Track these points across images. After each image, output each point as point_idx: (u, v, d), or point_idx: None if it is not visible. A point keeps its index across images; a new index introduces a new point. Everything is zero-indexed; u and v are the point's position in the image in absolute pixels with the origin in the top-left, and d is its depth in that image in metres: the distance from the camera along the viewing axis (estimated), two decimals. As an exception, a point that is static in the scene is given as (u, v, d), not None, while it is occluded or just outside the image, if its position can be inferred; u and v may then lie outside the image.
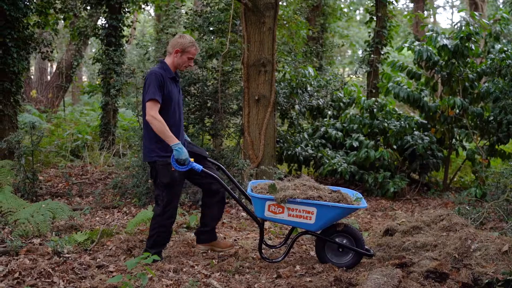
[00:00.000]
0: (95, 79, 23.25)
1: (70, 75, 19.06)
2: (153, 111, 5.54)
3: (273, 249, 6.41)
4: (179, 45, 5.84)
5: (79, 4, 14.42)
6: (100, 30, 14.06)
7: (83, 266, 5.55)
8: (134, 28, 23.22)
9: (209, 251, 6.39)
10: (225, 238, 7.10)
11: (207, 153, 6.22)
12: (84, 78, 32.97)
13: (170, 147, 5.61)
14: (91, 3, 13.78)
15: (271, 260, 5.96)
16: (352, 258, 5.84)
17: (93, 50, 30.60)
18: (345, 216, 5.98)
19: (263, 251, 6.18)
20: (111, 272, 5.46)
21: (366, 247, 5.89)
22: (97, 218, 7.99)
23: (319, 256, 5.93)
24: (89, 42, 23.55)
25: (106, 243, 6.45)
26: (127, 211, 8.39)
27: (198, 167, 5.71)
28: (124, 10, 13.80)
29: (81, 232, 6.71)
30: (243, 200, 7.31)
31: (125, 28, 13.96)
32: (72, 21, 15.67)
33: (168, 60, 5.89)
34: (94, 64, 14.80)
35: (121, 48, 13.74)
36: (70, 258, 5.81)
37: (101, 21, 14.55)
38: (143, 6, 15.58)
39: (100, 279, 5.15)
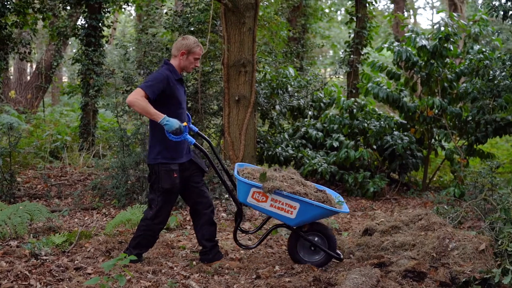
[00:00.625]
0: (75, 80, 23.11)
1: (50, 76, 18.92)
2: (137, 96, 5.37)
3: (247, 234, 6.34)
4: (185, 47, 5.76)
5: (58, 4, 14.32)
6: (80, 30, 13.97)
7: (61, 268, 5.49)
8: (114, 29, 23.09)
9: (188, 252, 6.38)
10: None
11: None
12: (64, 79, 32.75)
13: (176, 152, 5.62)
14: (70, 3, 13.69)
15: (246, 247, 5.97)
16: (323, 257, 5.89)
17: (73, 51, 30.42)
18: (325, 218, 6.00)
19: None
20: (89, 274, 5.42)
21: (338, 251, 5.93)
22: (76, 220, 7.94)
23: (291, 252, 5.94)
24: (69, 42, 23.41)
25: (84, 245, 6.40)
26: (107, 213, 8.34)
27: (191, 140, 5.62)
28: (104, 10, 13.73)
29: (59, 234, 6.66)
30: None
31: (105, 28, 13.88)
32: (52, 21, 15.55)
33: (174, 62, 5.80)
34: (73, 64, 14.70)
35: (101, 49, 13.66)
36: (47, 260, 5.76)
37: (81, 21, 14.46)
38: (123, 6, 15.51)
39: (78, 281, 5.11)
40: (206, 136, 5.95)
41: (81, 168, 11.45)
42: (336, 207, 5.77)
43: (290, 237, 6.00)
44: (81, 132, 13.83)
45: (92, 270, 5.52)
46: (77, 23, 14.80)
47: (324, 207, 5.61)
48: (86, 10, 13.55)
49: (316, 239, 5.89)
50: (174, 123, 5.39)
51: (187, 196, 5.98)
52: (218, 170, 5.96)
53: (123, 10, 16.00)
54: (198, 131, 5.93)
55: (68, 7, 14.29)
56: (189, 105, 10.21)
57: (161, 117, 5.38)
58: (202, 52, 5.88)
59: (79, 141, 13.68)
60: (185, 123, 5.59)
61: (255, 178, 5.79)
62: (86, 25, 13.57)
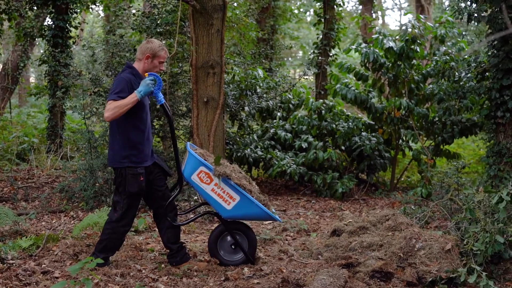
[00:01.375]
0: (42, 81, 22.84)
1: (17, 77, 18.65)
2: (106, 112, 5.41)
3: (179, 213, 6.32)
4: (149, 50, 5.71)
5: (24, 5, 14.14)
6: (47, 31, 13.82)
7: (28, 272, 5.44)
8: (82, 29, 22.87)
9: (157, 254, 6.36)
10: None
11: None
12: (32, 80, 32.36)
13: (142, 155, 5.62)
14: (37, 4, 13.53)
15: (174, 221, 5.91)
16: (241, 258, 5.98)
17: (41, 51, 30.07)
18: (257, 220, 6.03)
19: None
20: (57, 278, 5.38)
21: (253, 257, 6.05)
22: (43, 223, 7.87)
23: (210, 247, 5.99)
24: (36, 43, 23.12)
25: (52, 249, 6.34)
26: (74, 215, 8.28)
27: (161, 99, 5.65)
28: (71, 10, 13.60)
29: (26, 238, 6.58)
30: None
31: (72, 29, 13.75)
32: (18, 21, 15.35)
33: (138, 65, 5.75)
34: (40, 65, 14.54)
35: (68, 50, 13.53)
36: (14, 264, 5.70)
37: (48, 22, 14.29)
38: (91, 6, 15.37)
39: (45, 285, 5.07)
40: (169, 110, 5.90)
41: (48, 170, 11.32)
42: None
43: (212, 233, 6.05)
44: (48, 134, 13.68)
45: (59, 274, 5.48)
46: (44, 24, 14.62)
47: (263, 208, 5.68)
48: (53, 10, 13.41)
49: (238, 238, 5.99)
50: (145, 86, 5.48)
51: (150, 200, 5.94)
52: (175, 139, 5.96)
53: (90, 10, 15.86)
54: (165, 102, 5.86)
55: (35, 8, 14.11)
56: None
57: (134, 95, 5.44)
58: (167, 55, 5.85)
59: (47, 143, 13.53)
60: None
61: (206, 161, 5.80)
62: (53, 25, 13.44)
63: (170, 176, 6.13)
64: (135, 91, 5.47)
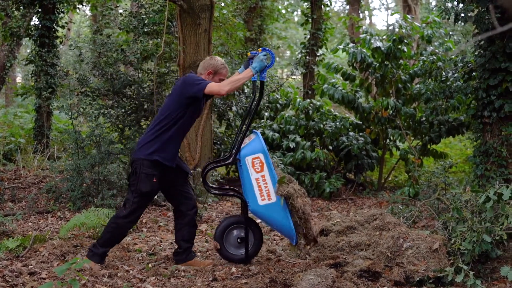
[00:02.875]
0: (29, 81, 22.72)
1: (3, 77, 18.55)
2: (218, 86, 5.59)
3: (209, 191, 6.32)
4: (212, 67, 5.86)
5: (11, 4, 14.05)
6: (33, 31, 13.74)
7: (14, 273, 5.40)
8: (69, 29, 22.77)
9: (145, 255, 6.34)
10: (161, 241, 7.06)
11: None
12: (18, 80, 32.17)
13: (171, 153, 5.69)
14: (23, 3, 13.45)
15: (209, 187, 6.05)
16: (241, 255, 6.01)
17: (27, 51, 29.91)
18: (274, 228, 6.02)
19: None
20: (44, 279, 5.34)
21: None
22: (30, 224, 7.82)
23: (217, 238, 5.99)
24: (23, 43, 23.00)
25: (39, 249, 6.30)
26: (62, 216, 8.23)
27: (264, 75, 5.79)
28: (58, 10, 13.53)
29: (13, 238, 6.52)
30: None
31: (59, 28, 13.67)
32: (4, 21, 15.26)
33: None
34: (27, 65, 14.46)
35: (55, 49, 13.45)
36: (0, 265, 5.66)
37: (34, 22, 14.21)
38: (78, 6, 15.29)
39: (32, 287, 5.03)
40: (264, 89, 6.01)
41: (35, 170, 11.25)
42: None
43: (222, 224, 6.05)
44: (35, 134, 13.60)
45: (46, 274, 5.44)
46: (31, 24, 14.54)
47: (290, 222, 5.66)
48: (40, 10, 13.33)
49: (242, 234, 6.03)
50: (259, 61, 5.66)
51: (172, 197, 6.01)
52: (252, 120, 6.02)
53: (77, 10, 15.77)
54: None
55: (21, 7, 14.03)
56: (145, 107, 10.15)
57: (249, 71, 5.66)
58: (227, 74, 5.96)
59: (33, 143, 13.45)
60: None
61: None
62: (40, 25, 13.35)
63: (190, 175, 6.15)
64: (250, 67, 5.65)
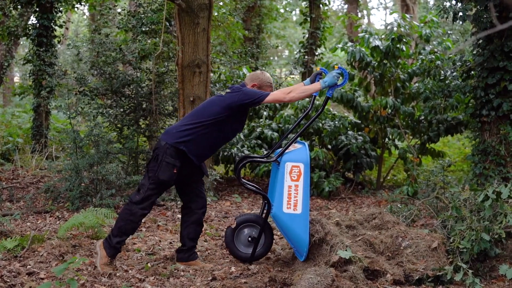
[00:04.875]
0: (27, 80, 22.69)
1: (1, 76, 18.53)
2: (281, 93, 5.65)
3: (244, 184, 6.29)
4: (258, 80, 5.93)
5: (8, 3, 14.03)
6: (31, 30, 13.73)
7: (13, 273, 5.39)
8: (67, 28, 22.73)
9: (144, 254, 6.34)
10: (160, 241, 7.05)
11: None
12: (16, 79, 32.13)
13: (200, 151, 5.72)
14: (21, 2, 13.43)
15: (239, 178, 6.04)
16: (248, 254, 6.02)
17: (25, 51, 29.87)
18: (288, 239, 5.99)
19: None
20: (42, 279, 5.33)
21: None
22: (28, 224, 7.80)
23: (227, 237, 6.03)
24: (21, 42, 22.96)
25: (37, 249, 6.29)
26: (60, 216, 8.22)
27: (332, 92, 5.81)
28: (55, 9, 13.52)
29: (11, 238, 6.51)
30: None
31: (57, 28, 13.66)
32: (2, 20, 15.24)
33: None
34: (25, 65, 14.44)
35: (53, 49, 13.44)
36: (-1, 266, 5.65)
37: (32, 21, 14.20)
38: (76, 5, 15.28)
39: (30, 287, 5.02)
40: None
41: (33, 170, 11.25)
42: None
43: (227, 229, 6.07)
44: (33, 134, 13.59)
45: (45, 275, 5.44)
46: (28, 23, 14.53)
47: (307, 237, 5.64)
48: (38, 9, 13.32)
49: (253, 233, 6.06)
50: (332, 77, 5.67)
51: (184, 192, 6.01)
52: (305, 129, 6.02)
53: (75, 9, 15.75)
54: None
55: (19, 7, 14.01)
56: (143, 106, 10.13)
57: (318, 84, 5.67)
58: (272, 90, 5.95)
59: (31, 143, 13.45)
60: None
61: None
62: (38, 25, 13.35)
63: (207, 177, 6.16)
64: (320, 82, 5.66)
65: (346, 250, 5.39)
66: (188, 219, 6.00)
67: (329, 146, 11.32)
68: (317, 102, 11.14)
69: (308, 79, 5.93)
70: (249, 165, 11.13)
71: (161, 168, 5.63)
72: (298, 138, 6.17)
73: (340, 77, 5.73)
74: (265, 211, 6.08)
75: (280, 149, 5.87)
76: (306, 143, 6.10)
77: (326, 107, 11.57)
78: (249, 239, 6.03)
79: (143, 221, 7.94)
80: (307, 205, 5.68)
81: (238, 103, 5.67)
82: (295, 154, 5.78)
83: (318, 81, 5.75)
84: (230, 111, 5.69)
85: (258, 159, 6.33)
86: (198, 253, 6.30)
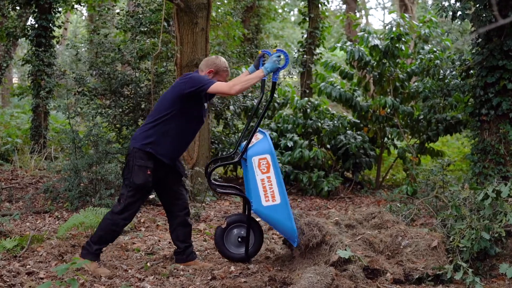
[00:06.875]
0: (25, 81, 22.67)
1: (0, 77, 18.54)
2: (227, 86, 5.49)
3: (215, 190, 6.30)
4: (214, 66, 5.77)
5: (7, 4, 14.02)
6: (30, 31, 13.72)
7: (12, 273, 5.38)
8: (66, 29, 22.73)
9: (143, 254, 6.33)
10: (159, 240, 7.04)
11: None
12: (15, 80, 32.11)
13: (167, 149, 5.60)
14: (20, 3, 13.43)
15: (215, 185, 6.10)
16: (241, 254, 6.00)
17: (24, 51, 29.85)
18: (276, 230, 6.00)
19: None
20: (42, 279, 5.33)
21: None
22: (28, 224, 7.79)
23: (217, 238, 6.00)
24: (19, 43, 22.92)
25: (36, 249, 6.29)
26: (59, 216, 8.21)
27: (277, 76, 5.70)
28: (54, 10, 13.51)
29: (10, 239, 6.51)
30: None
31: (55, 28, 13.65)
32: (0, 21, 15.23)
33: None
34: (23, 65, 14.43)
35: (52, 49, 13.43)
36: (-2, 266, 5.64)
37: (31, 22, 14.18)
38: (75, 6, 15.27)
39: (30, 286, 5.01)
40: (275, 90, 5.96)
41: (32, 171, 11.24)
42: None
43: (217, 229, 6.05)
44: (32, 134, 13.58)
45: (44, 274, 5.43)
46: (27, 24, 14.52)
47: (293, 223, 5.64)
48: (36, 10, 13.31)
49: (242, 233, 6.05)
50: (272, 62, 5.53)
51: (164, 197, 5.95)
52: (262, 119, 6.00)
53: (74, 10, 15.74)
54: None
55: (18, 7, 14.00)
56: (142, 106, 10.12)
57: (261, 71, 5.53)
58: (227, 78, 5.87)
59: (30, 144, 13.43)
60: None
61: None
62: (36, 25, 13.34)
63: (185, 177, 6.09)
64: (262, 67, 5.55)
65: (345, 250, 5.38)
66: (173, 223, 5.95)
67: (328, 146, 11.31)
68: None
69: (252, 65, 5.86)
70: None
71: (134, 172, 5.51)
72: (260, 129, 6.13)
73: (281, 60, 5.60)
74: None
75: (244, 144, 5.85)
76: (267, 132, 6.06)
77: (325, 106, 11.65)
78: (239, 239, 6.01)
79: (142, 221, 7.95)
80: (284, 192, 5.67)
81: (186, 93, 5.53)
82: (259, 147, 5.75)
83: (263, 65, 5.69)
84: (181, 102, 5.58)
85: (227, 161, 6.19)
86: (197, 252, 6.29)
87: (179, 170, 5.88)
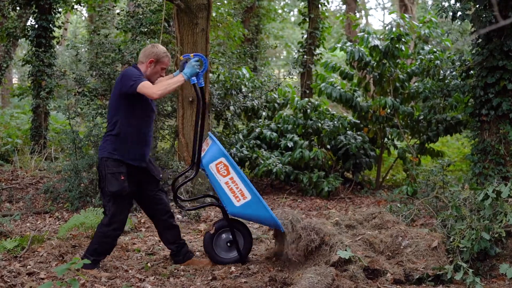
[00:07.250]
0: (25, 81, 22.68)
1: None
2: (150, 89, 5.35)
3: (183, 210, 6.32)
4: (154, 55, 5.66)
5: (7, 5, 14.02)
6: (30, 31, 13.72)
7: (13, 273, 5.39)
8: (66, 29, 22.73)
9: (143, 254, 6.33)
10: (159, 241, 7.04)
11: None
12: (15, 80, 32.11)
13: (132, 152, 5.56)
14: (20, 3, 13.43)
15: (182, 207, 6.20)
16: (235, 257, 5.99)
17: (24, 52, 29.85)
18: (260, 223, 6.01)
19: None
20: (42, 279, 5.33)
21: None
22: (28, 224, 7.80)
23: (206, 245, 5.96)
24: (19, 44, 22.93)
25: (37, 250, 6.29)
26: (59, 216, 8.22)
27: (201, 81, 5.69)
28: (54, 10, 13.51)
29: (11, 239, 6.52)
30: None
31: (55, 29, 13.65)
32: (0, 21, 15.23)
33: (142, 68, 5.68)
34: (23, 66, 14.43)
35: (52, 50, 13.44)
36: (-1, 266, 5.65)
37: (31, 22, 14.19)
38: (75, 6, 15.28)
39: (31, 287, 5.02)
40: (204, 94, 5.93)
41: (32, 171, 11.24)
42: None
43: (205, 235, 6.03)
44: (32, 135, 13.58)
45: (45, 275, 5.43)
46: (27, 24, 14.52)
47: (271, 213, 5.66)
48: (36, 10, 13.31)
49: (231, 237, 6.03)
50: (191, 67, 5.51)
51: (144, 203, 5.92)
52: (203, 125, 5.93)
53: (74, 10, 15.75)
54: (203, 86, 5.86)
55: (18, 8, 14.00)
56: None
57: (180, 77, 5.50)
58: (169, 63, 5.82)
59: (31, 144, 13.44)
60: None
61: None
62: (36, 26, 13.34)
63: (160, 180, 6.06)
64: (181, 72, 5.53)
65: (346, 250, 5.39)
66: (159, 228, 5.95)
67: (328, 146, 11.31)
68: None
69: (178, 70, 5.80)
70: (248, 165, 11.11)
71: (107, 181, 5.48)
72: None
73: (200, 65, 5.59)
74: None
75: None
76: (210, 133, 6.06)
77: (325, 107, 11.64)
78: (228, 244, 6.01)
79: (142, 221, 7.95)
80: (251, 186, 5.68)
81: (123, 92, 5.48)
82: (211, 153, 5.76)
83: None
84: (125, 99, 5.52)
85: (187, 178, 6.03)
86: (197, 253, 6.30)
87: (153, 174, 5.84)
